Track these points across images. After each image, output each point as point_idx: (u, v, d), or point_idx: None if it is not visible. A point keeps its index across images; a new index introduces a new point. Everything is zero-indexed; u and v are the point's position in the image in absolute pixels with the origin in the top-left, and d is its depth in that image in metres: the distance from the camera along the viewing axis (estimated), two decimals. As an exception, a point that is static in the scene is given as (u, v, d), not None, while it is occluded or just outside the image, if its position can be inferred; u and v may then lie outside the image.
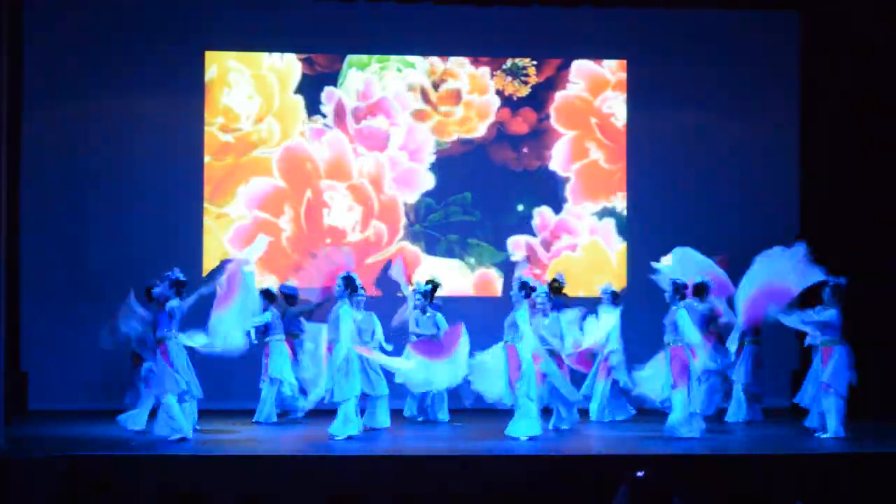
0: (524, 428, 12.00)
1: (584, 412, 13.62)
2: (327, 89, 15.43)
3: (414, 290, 13.73)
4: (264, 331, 13.54)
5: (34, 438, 11.77)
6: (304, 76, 15.45)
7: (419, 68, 15.64)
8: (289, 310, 13.91)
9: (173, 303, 11.86)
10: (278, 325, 13.67)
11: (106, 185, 14.99)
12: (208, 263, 14.68)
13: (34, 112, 14.71)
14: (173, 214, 15.11)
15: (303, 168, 15.42)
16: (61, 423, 13.00)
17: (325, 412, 12.69)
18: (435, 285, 13.94)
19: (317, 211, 15.43)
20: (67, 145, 14.97)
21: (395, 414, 13.33)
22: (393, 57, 15.60)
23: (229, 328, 12.15)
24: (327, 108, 15.44)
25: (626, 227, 15.79)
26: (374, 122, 15.54)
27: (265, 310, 13.45)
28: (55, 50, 14.89)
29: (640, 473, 8.91)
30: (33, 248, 14.67)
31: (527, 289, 12.20)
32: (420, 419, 13.76)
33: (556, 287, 13.58)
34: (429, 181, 15.59)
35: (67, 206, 14.90)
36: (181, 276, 12.00)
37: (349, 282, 12.16)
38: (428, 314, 13.68)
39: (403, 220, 15.59)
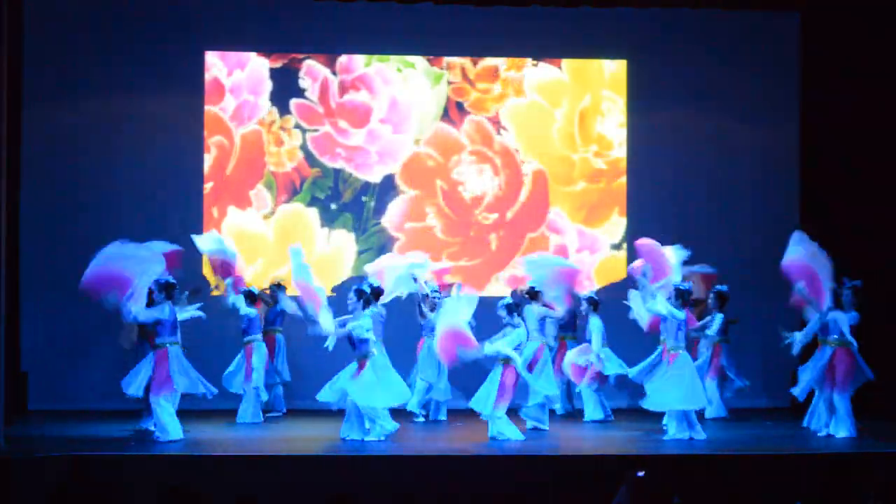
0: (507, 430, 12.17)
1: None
2: (307, 64, 15.49)
3: (432, 291, 13.83)
4: (244, 331, 13.65)
5: (34, 438, 11.78)
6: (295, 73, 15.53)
7: (419, 68, 15.64)
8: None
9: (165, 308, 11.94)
10: (258, 325, 13.79)
11: (106, 185, 14.99)
12: (208, 263, 14.64)
13: (34, 112, 14.71)
14: (173, 214, 15.11)
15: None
16: (61, 423, 13.00)
17: (317, 412, 12.73)
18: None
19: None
20: (67, 145, 14.97)
21: (396, 413, 13.30)
22: (393, 57, 15.60)
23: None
24: (307, 81, 15.49)
25: (626, 228, 15.78)
26: (357, 97, 15.58)
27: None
28: (55, 49, 14.89)
29: (640, 473, 8.91)
30: (33, 247, 14.67)
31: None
32: (421, 418, 13.78)
33: (533, 294, 13.51)
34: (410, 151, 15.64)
35: (67, 206, 14.90)
36: (171, 279, 12.06)
37: (362, 294, 12.23)
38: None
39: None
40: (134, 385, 12.05)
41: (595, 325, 13.63)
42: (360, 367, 12.00)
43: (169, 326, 11.91)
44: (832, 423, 12.40)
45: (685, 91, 15.72)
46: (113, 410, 13.70)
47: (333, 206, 15.48)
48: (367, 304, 12.22)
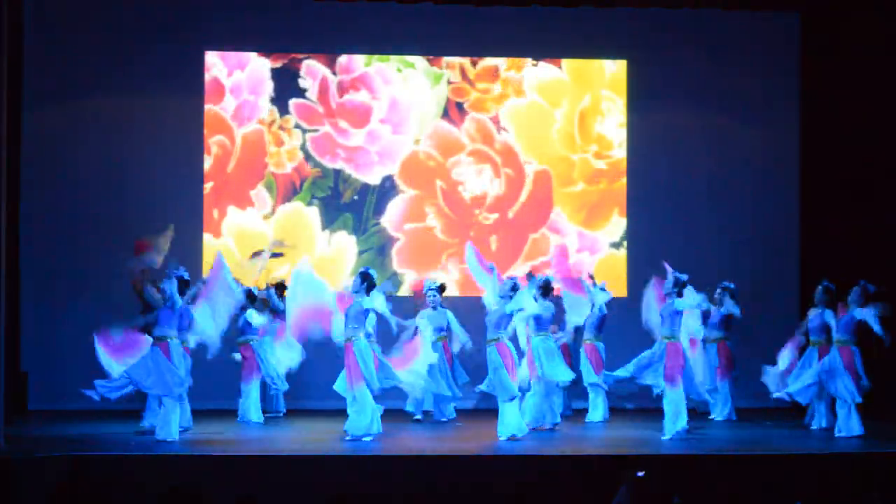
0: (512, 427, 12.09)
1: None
2: (307, 64, 15.50)
3: (429, 289, 13.80)
4: (241, 331, 13.60)
5: (34, 438, 11.78)
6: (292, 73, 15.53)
7: (419, 68, 15.65)
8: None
9: (179, 303, 11.84)
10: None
11: (105, 185, 15.00)
12: (208, 262, 14.63)
13: (34, 112, 14.72)
14: (173, 214, 15.05)
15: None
16: (61, 423, 13.00)
17: (317, 412, 12.71)
18: (443, 285, 14.05)
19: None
20: (67, 145, 14.98)
21: (396, 413, 13.31)
22: (393, 57, 15.61)
23: (204, 324, 12.17)
24: (307, 81, 15.50)
25: (627, 229, 15.78)
26: (357, 97, 15.58)
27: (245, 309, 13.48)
28: (55, 50, 14.90)
29: (640, 473, 8.91)
30: (33, 247, 14.67)
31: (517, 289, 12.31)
32: (419, 417, 13.77)
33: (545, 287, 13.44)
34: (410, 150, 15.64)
35: (67, 206, 14.90)
36: (185, 275, 11.99)
37: (366, 277, 12.15)
38: (438, 311, 13.74)
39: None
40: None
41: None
42: (347, 351, 12.00)
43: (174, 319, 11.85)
44: (837, 424, 12.40)
45: (685, 91, 15.72)
46: (113, 410, 13.70)
47: (317, 203, 15.46)
48: (370, 287, 12.20)
